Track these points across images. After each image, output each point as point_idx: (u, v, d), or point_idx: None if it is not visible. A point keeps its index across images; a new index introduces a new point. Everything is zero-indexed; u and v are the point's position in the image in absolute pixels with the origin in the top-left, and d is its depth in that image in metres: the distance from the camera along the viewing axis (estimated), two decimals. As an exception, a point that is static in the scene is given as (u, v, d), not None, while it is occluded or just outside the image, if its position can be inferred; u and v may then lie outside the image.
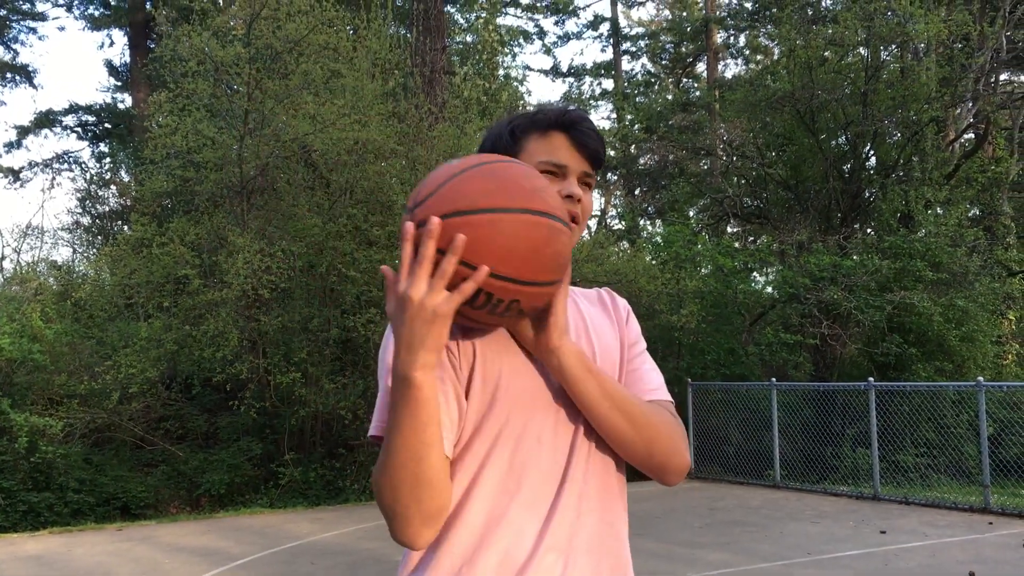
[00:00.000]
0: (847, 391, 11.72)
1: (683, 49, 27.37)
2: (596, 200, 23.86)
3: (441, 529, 1.35)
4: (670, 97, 25.99)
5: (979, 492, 9.54)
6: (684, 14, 28.58)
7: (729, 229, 20.29)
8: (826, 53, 15.96)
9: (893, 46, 16.29)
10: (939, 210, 15.16)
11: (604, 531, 1.44)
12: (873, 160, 16.22)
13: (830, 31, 16.34)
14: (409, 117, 13.18)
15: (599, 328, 1.53)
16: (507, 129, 1.48)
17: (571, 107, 1.52)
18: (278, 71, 12.66)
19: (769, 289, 16.09)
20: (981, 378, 10.23)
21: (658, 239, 17.89)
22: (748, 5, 24.22)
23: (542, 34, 27.24)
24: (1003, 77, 19.10)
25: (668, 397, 1.55)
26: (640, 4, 33.52)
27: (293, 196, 12.66)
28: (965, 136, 18.18)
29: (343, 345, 12.47)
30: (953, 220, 14.39)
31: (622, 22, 28.59)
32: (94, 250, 18.76)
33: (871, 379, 11.06)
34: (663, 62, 28.69)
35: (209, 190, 12.84)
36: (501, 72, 15.37)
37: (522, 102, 15.41)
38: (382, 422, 1.37)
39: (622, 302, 1.63)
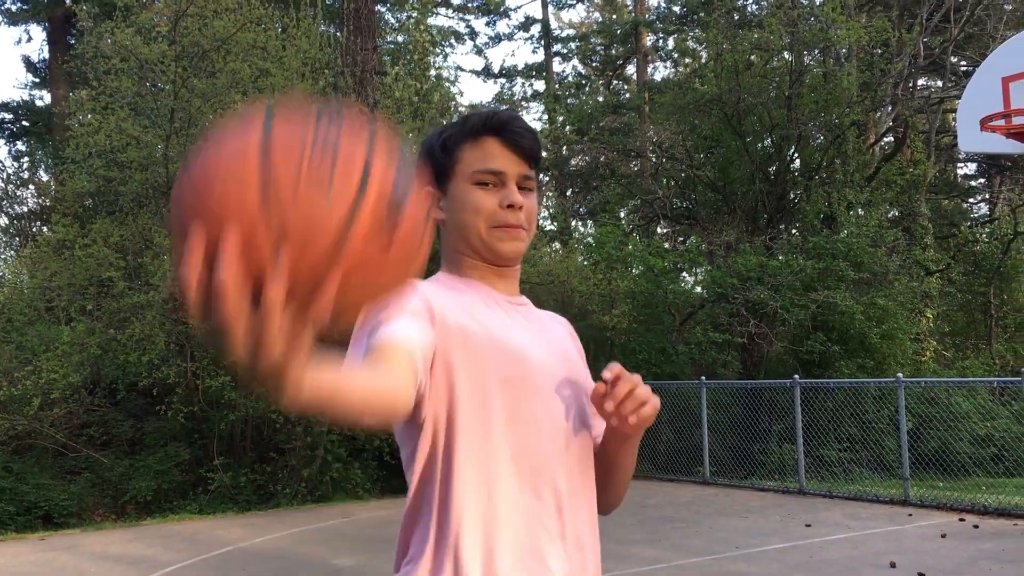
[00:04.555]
0: (773, 388, 11.99)
1: (613, 51, 27.65)
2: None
3: (446, 520, 1.29)
4: (601, 99, 26.22)
5: (899, 485, 9.86)
6: (614, 17, 28.88)
7: (659, 230, 20.58)
8: (752, 57, 16.29)
9: (816, 51, 16.73)
10: (860, 211, 15.60)
11: (593, 522, 1.46)
12: (797, 162, 16.62)
13: (755, 36, 16.69)
14: (340, 117, 13.04)
15: (562, 344, 1.55)
16: (438, 142, 1.45)
17: (501, 108, 1.50)
18: (205, 69, 12.44)
19: (698, 289, 16.37)
20: (900, 375, 10.58)
21: (590, 240, 18.05)
22: (676, 9, 24.58)
23: (473, 35, 27.32)
24: (920, 82, 19.76)
25: None
26: (570, 6, 33.76)
27: (222, 197, 12.42)
28: (885, 140, 18.76)
29: (275, 347, 12.26)
30: (873, 221, 14.83)
31: (553, 24, 28.78)
32: (12, 252, 18.17)
33: (796, 376, 11.34)
34: (594, 64, 28.95)
35: (134, 190, 12.55)
36: (433, 72, 15.32)
37: (454, 103, 15.41)
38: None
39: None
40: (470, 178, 1.42)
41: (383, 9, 22.06)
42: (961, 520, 8.48)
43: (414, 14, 16.34)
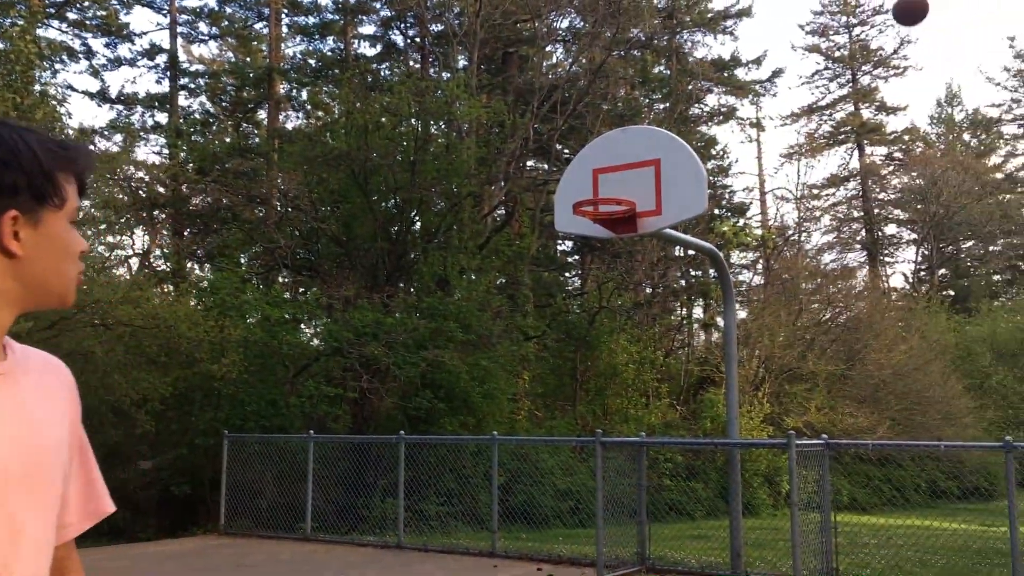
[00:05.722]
0: (381, 443, 12.20)
1: (245, 94, 27.04)
2: (140, 238, 22.30)
3: None
4: (228, 140, 25.45)
5: (489, 537, 10.45)
6: (248, 59, 28.34)
7: (280, 279, 20.25)
8: (382, 119, 16.81)
9: (441, 123, 17.69)
10: (472, 276, 16.61)
11: None
12: (418, 225, 17.34)
13: (387, 100, 17.28)
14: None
15: (48, 416, 1.25)
16: (36, 156, 1.17)
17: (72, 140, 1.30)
18: None
19: (315, 342, 16.30)
20: (495, 432, 11.29)
21: (205, 284, 17.28)
22: (312, 62, 24.74)
23: (90, 54, 25.21)
24: (530, 164, 21.67)
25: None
26: (202, 41, 32.53)
27: None
28: (497, 212, 20.23)
29: None
30: (483, 287, 15.85)
31: (182, 56, 27.54)
32: None
33: (402, 432, 11.65)
34: (223, 104, 28.07)
35: None
36: (37, 88, 13.88)
37: (59, 124, 14.05)
38: None
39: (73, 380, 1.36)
40: (70, 215, 1.22)
41: (-18, 10, 19.65)
42: (539, 569, 9.16)
43: (20, 21, 14.77)
